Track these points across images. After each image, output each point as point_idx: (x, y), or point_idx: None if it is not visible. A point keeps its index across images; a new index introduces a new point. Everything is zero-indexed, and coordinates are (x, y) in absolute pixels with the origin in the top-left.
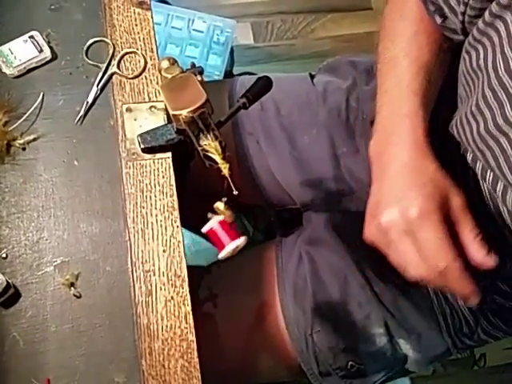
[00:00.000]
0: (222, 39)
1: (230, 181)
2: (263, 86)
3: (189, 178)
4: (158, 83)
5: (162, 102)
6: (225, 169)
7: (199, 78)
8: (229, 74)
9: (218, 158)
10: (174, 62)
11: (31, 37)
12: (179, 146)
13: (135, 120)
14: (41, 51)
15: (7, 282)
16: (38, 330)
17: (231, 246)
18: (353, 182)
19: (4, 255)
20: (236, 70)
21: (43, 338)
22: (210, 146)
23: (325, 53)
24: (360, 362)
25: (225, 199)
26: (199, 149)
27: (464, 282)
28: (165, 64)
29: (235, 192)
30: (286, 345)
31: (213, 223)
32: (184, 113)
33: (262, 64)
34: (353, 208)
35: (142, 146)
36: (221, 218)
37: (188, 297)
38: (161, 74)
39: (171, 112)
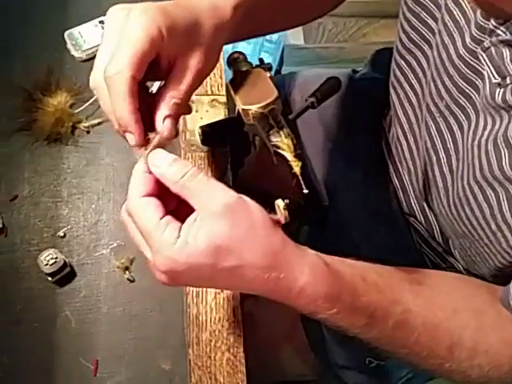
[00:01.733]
0: (275, 38)
1: (300, 179)
2: (332, 85)
3: (241, 173)
4: (220, 77)
5: (223, 95)
6: (296, 167)
7: (268, 75)
8: (276, 73)
9: (290, 156)
10: (244, 57)
11: (101, 22)
12: (238, 141)
13: (196, 112)
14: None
15: (64, 260)
16: (90, 311)
17: None
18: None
19: (62, 234)
20: (284, 70)
21: (94, 319)
22: (282, 142)
23: None
24: (379, 358)
25: (287, 200)
26: (269, 145)
27: None
28: (235, 58)
29: (305, 190)
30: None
31: None
32: (254, 108)
33: (310, 65)
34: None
35: (203, 138)
36: (275, 217)
37: (238, 291)
38: (231, 68)
39: (241, 106)
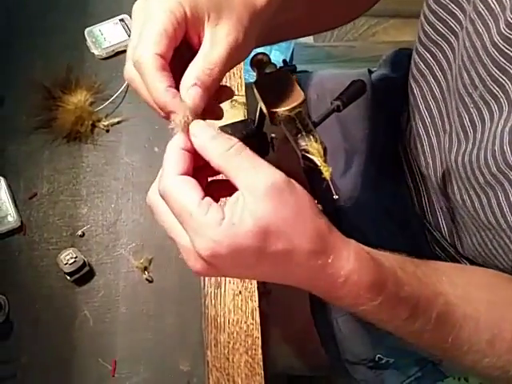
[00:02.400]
0: None
1: (330, 184)
2: (357, 89)
3: None
4: (240, 77)
5: (243, 96)
6: (326, 172)
7: (294, 77)
8: None
9: (319, 161)
10: (268, 58)
11: (122, 20)
12: (257, 142)
13: None
14: (130, 35)
15: (83, 260)
16: (109, 311)
17: None
18: (391, 180)
19: (81, 233)
20: None
21: (113, 319)
22: (312, 147)
23: None
24: (389, 356)
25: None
26: (298, 149)
27: None
28: (259, 60)
29: (335, 196)
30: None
31: None
32: (281, 111)
33: (319, 64)
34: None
35: None
36: None
37: (256, 293)
38: (254, 70)
39: (266, 109)
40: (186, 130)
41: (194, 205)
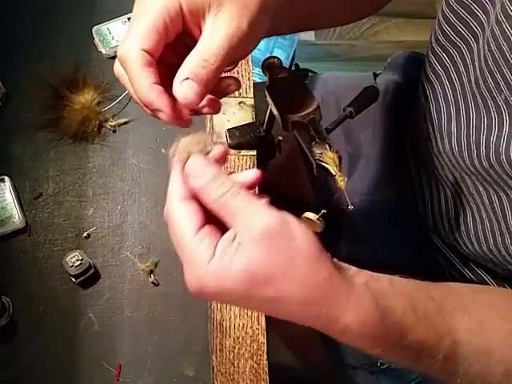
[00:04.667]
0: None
1: (346, 195)
2: (370, 95)
3: (264, 178)
4: (249, 79)
5: (251, 98)
6: (342, 182)
7: (306, 81)
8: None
9: (335, 170)
10: (279, 62)
11: (130, 19)
12: (264, 145)
13: (224, 114)
14: None
15: (89, 262)
16: (114, 314)
17: None
18: (394, 184)
19: (86, 235)
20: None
21: (118, 322)
22: (327, 156)
23: (385, 57)
24: None
25: (324, 211)
26: (311, 157)
27: None
28: (271, 63)
29: (351, 207)
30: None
31: None
32: (295, 117)
33: (320, 62)
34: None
35: (230, 141)
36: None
37: None
38: (266, 74)
39: (279, 114)
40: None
41: (188, 237)
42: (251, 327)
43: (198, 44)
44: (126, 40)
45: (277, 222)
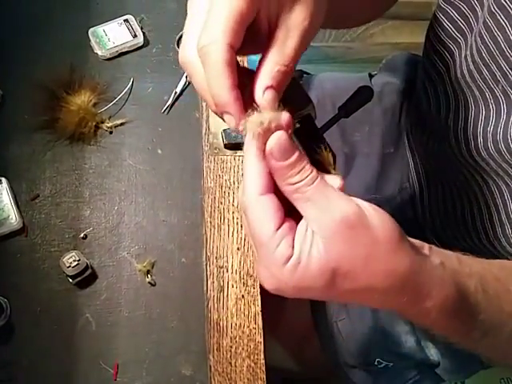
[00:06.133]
0: None
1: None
2: (365, 95)
3: None
4: None
5: None
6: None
7: (301, 82)
8: None
9: (330, 169)
10: None
11: (126, 20)
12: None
13: None
14: (135, 36)
15: (86, 263)
16: (111, 314)
17: None
18: (390, 183)
19: (83, 235)
20: None
21: (115, 322)
22: (321, 156)
23: (381, 58)
24: (388, 360)
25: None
26: (307, 156)
27: None
28: None
29: None
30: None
31: None
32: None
33: (316, 64)
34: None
35: (226, 142)
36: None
37: (258, 297)
38: None
39: None
40: (263, 139)
41: (266, 236)
42: (248, 327)
43: (275, 47)
44: (210, 30)
45: (353, 214)
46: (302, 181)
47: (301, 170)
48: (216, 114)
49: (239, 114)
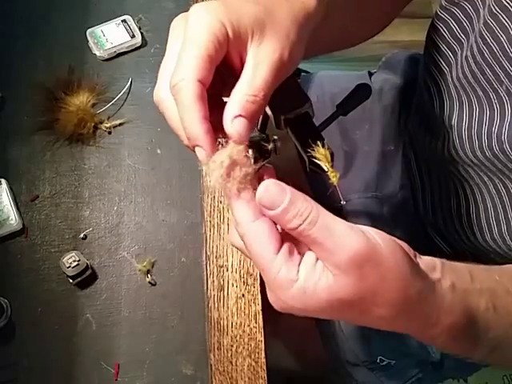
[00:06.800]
0: None
1: (338, 190)
2: (362, 93)
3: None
4: None
5: None
6: (334, 177)
7: (298, 80)
8: None
9: (327, 167)
10: None
11: (124, 21)
12: (259, 145)
13: None
14: (133, 36)
15: (86, 263)
16: (112, 314)
17: None
18: (391, 181)
19: (83, 236)
20: None
21: (116, 322)
22: (319, 153)
23: (380, 57)
24: (390, 357)
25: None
26: (304, 154)
27: None
28: None
29: (343, 202)
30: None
31: None
32: (287, 116)
33: (315, 62)
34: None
35: None
36: None
37: (259, 296)
38: None
39: (272, 113)
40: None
41: (267, 260)
42: (248, 325)
43: (243, 78)
44: (180, 69)
45: (364, 248)
46: (301, 224)
47: (297, 214)
48: (188, 148)
49: (209, 146)
